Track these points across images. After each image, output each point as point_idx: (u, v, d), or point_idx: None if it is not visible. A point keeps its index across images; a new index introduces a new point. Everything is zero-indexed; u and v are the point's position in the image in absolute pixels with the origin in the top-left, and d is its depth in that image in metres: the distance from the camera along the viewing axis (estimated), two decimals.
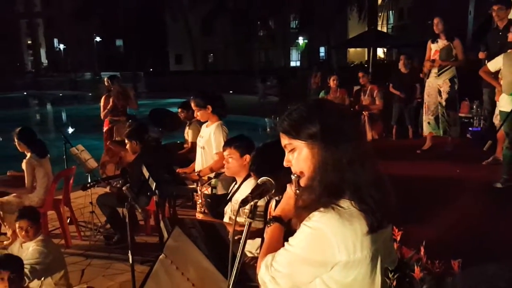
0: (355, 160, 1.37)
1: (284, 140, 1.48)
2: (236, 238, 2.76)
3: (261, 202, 2.99)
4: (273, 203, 2.57)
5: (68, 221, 5.24)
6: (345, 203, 1.36)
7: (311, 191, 1.40)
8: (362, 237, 1.34)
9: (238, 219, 3.21)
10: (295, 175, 1.46)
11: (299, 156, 1.44)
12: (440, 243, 3.24)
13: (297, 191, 1.50)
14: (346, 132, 1.41)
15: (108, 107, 7.27)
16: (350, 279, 1.38)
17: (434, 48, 6.10)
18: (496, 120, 5.23)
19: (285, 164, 1.50)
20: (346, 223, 1.32)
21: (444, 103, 6.12)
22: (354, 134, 1.42)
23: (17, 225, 3.49)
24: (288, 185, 1.57)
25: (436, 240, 3.22)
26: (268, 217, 2.60)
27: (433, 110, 6.27)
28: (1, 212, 4.64)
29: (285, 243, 1.42)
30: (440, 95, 6.13)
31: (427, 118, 6.39)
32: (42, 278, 3.32)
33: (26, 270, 3.17)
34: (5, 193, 4.80)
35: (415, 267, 2.57)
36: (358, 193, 1.37)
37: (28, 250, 3.42)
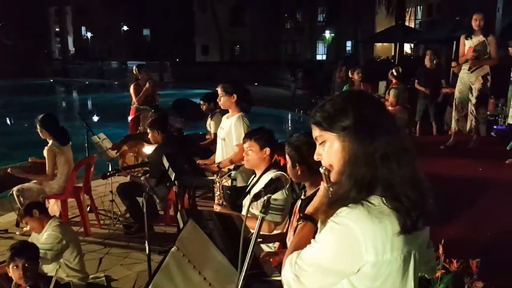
0: (390, 156, 1.29)
1: (315, 132, 1.42)
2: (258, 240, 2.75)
3: (279, 196, 2.99)
4: (298, 202, 2.53)
5: (88, 209, 5.30)
6: (376, 200, 1.28)
7: (340, 186, 1.33)
8: (393, 237, 1.25)
9: (256, 212, 3.20)
10: (324, 168, 1.41)
11: (330, 149, 1.38)
12: (459, 242, 3.15)
13: (328, 187, 1.44)
14: (382, 125, 1.33)
15: (142, 94, 7.32)
16: (378, 283, 1.29)
17: (468, 45, 5.90)
18: None
19: (315, 157, 1.44)
20: (375, 220, 1.24)
21: (474, 101, 5.94)
22: (390, 127, 1.34)
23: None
24: (322, 183, 1.51)
25: (456, 239, 3.13)
26: (293, 216, 2.55)
27: (463, 107, 6.10)
28: (22, 199, 4.71)
29: (312, 240, 1.35)
30: (471, 92, 5.95)
31: (456, 115, 6.22)
32: (58, 266, 3.35)
33: (42, 253, 3.21)
34: (26, 179, 4.87)
35: None
36: (391, 191, 1.28)
37: (44, 234, 3.46)
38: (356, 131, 1.31)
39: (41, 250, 3.19)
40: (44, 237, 3.42)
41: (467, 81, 5.97)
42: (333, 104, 1.38)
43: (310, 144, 2.24)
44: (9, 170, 4.75)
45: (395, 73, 7.38)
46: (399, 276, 1.30)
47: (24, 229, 4.94)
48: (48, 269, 3.35)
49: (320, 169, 1.41)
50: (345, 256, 1.27)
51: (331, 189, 1.43)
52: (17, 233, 4.96)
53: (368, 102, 1.39)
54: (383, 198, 1.28)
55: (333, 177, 1.39)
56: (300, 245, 1.42)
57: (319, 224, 1.47)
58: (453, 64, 6.35)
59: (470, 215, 3.82)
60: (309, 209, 1.51)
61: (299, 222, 1.50)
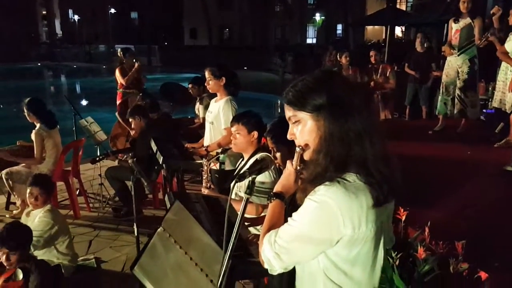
0: (363, 134, 1.34)
1: (289, 112, 1.44)
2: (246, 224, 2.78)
3: (267, 179, 3.02)
4: None
5: (77, 192, 5.30)
6: (351, 177, 1.33)
7: (316, 164, 1.37)
8: (368, 211, 1.32)
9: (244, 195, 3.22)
10: (300, 147, 1.43)
11: (303, 128, 1.41)
12: (445, 224, 3.21)
13: (299, 165, 1.48)
14: (355, 104, 1.37)
15: (131, 73, 7.19)
16: (353, 254, 1.37)
17: (455, 28, 5.91)
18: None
19: (288, 137, 1.47)
20: (352, 196, 1.29)
21: (461, 84, 5.97)
22: (363, 107, 1.38)
23: (28, 191, 3.52)
24: (288, 162, 1.54)
25: (442, 222, 3.19)
26: None
27: (450, 91, 6.14)
28: (11, 182, 4.71)
29: (289, 218, 1.40)
30: (458, 76, 5.98)
31: (443, 99, 6.25)
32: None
33: (33, 240, 3.22)
34: (14, 163, 4.85)
35: (419, 247, 2.54)
36: (365, 167, 1.34)
37: (34, 220, 3.46)
38: (330, 110, 1.34)
39: (34, 237, 3.21)
40: (36, 222, 3.42)
41: (454, 64, 6.00)
42: (306, 84, 1.41)
43: (283, 127, 2.29)
44: None
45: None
46: (372, 246, 1.39)
47: (14, 211, 4.96)
48: (38, 252, 3.36)
49: (297, 148, 1.44)
50: (323, 232, 1.33)
51: (299, 168, 1.47)
52: (6, 216, 4.97)
53: (340, 82, 1.43)
54: (357, 175, 1.34)
55: (308, 155, 1.43)
56: (273, 223, 1.48)
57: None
58: (443, 48, 6.36)
59: (457, 198, 3.88)
60: (278, 187, 1.54)
61: (269, 201, 1.54)
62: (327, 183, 1.32)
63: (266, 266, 1.43)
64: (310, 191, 1.36)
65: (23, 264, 2.91)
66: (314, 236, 1.34)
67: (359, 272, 1.41)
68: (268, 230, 1.46)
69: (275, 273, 1.44)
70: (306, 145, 1.42)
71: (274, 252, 1.38)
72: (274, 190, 1.55)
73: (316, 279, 1.45)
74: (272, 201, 1.53)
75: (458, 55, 5.92)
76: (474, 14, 5.78)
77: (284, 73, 19.69)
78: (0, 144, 5.38)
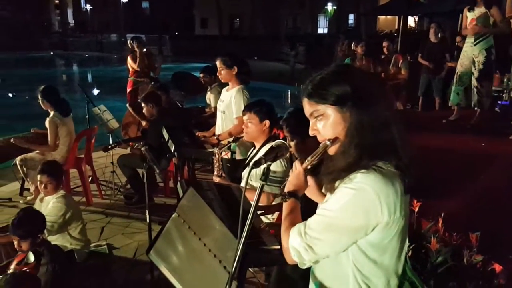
0: (389, 121, 1.35)
1: (310, 107, 1.41)
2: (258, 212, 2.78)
3: (279, 168, 3.01)
4: None
5: (89, 179, 5.35)
6: (384, 164, 1.33)
7: (347, 155, 1.35)
8: (401, 197, 1.32)
9: (255, 184, 3.22)
10: (329, 141, 1.39)
11: (327, 122, 1.38)
12: (459, 216, 3.17)
13: (311, 164, 1.46)
14: (376, 94, 1.37)
15: (138, 60, 7.25)
16: (386, 241, 1.36)
17: (470, 17, 5.81)
18: None
19: (311, 133, 1.45)
20: (389, 183, 1.29)
21: (477, 74, 5.88)
22: (383, 96, 1.39)
23: (38, 179, 3.56)
24: (296, 162, 1.54)
25: (456, 213, 3.15)
26: None
27: (464, 81, 6.05)
28: (25, 168, 4.77)
29: (319, 209, 1.37)
30: (474, 66, 5.89)
31: (456, 89, 6.18)
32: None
33: (47, 225, 3.26)
34: (29, 149, 4.90)
35: (432, 238, 2.53)
36: (395, 154, 1.34)
37: (48, 205, 3.50)
38: (356, 100, 1.33)
39: (47, 222, 3.25)
40: (49, 208, 3.46)
41: (470, 54, 5.91)
42: (325, 77, 1.40)
43: (299, 116, 2.27)
44: (12, 140, 4.79)
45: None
46: (402, 234, 1.38)
47: (28, 198, 5.03)
48: (52, 237, 3.40)
49: (327, 142, 1.40)
50: (361, 219, 1.30)
51: (309, 168, 1.46)
52: (20, 202, 5.04)
53: (357, 73, 1.43)
54: (388, 161, 1.33)
55: (334, 150, 1.40)
56: (292, 221, 1.46)
57: (327, 195, 1.49)
58: (458, 38, 6.28)
59: (471, 189, 3.83)
60: (289, 187, 1.53)
61: (284, 200, 1.53)
62: (363, 170, 1.31)
63: (295, 259, 1.39)
64: (342, 180, 1.34)
65: (35, 248, 2.95)
66: (351, 224, 1.31)
67: (387, 259, 1.40)
68: (289, 226, 1.43)
69: (304, 267, 1.40)
70: (336, 138, 1.38)
71: (306, 243, 1.35)
72: (286, 190, 1.54)
73: (344, 272, 1.42)
74: (286, 200, 1.52)
75: (475, 45, 5.83)
76: (489, 3, 5.68)
77: (294, 63, 19.58)
78: (14, 131, 5.44)
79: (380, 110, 1.34)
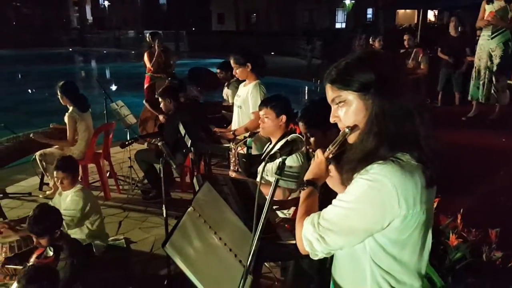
0: (414, 110, 1.29)
1: (332, 93, 1.38)
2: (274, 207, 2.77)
3: (295, 163, 3.00)
4: None
5: (107, 174, 5.41)
6: (404, 156, 1.27)
7: (366, 144, 1.30)
8: (422, 191, 1.26)
9: (271, 178, 3.22)
10: (348, 129, 1.36)
11: (349, 109, 1.34)
12: (478, 212, 3.13)
13: (333, 152, 1.43)
14: (402, 82, 1.33)
15: (154, 60, 7.32)
16: (404, 237, 1.31)
17: (488, 9, 5.71)
18: None
19: (331, 119, 1.41)
20: (408, 175, 1.23)
21: (494, 68, 5.77)
22: (409, 84, 1.34)
23: (54, 175, 3.62)
24: (318, 150, 1.51)
25: (475, 209, 3.11)
26: None
27: (482, 75, 5.95)
28: (44, 163, 4.84)
29: (335, 200, 1.34)
30: (491, 60, 5.78)
31: (476, 83, 6.08)
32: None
33: (66, 219, 3.31)
34: (48, 145, 4.97)
35: (451, 234, 2.49)
36: (417, 145, 1.29)
37: (66, 199, 3.55)
38: (380, 88, 1.29)
39: (66, 216, 3.30)
40: (68, 202, 3.51)
41: (487, 47, 5.81)
42: (351, 62, 1.35)
43: (315, 110, 2.24)
44: (31, 135, 4.86)
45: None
46: (422, 229, 1.33)
47: (47, 192, 5.11)
48: (71, 231, 3.46)
49: (346, 129, 1.37)
50: (376, 212, 1.26)
51: (331, 156, 1.43)
52: (40, 196, 5.12)
53: (385, 60, 1.37)
54: (410, 153, 1.28)
55: (353, 138, 1.37)
56: (308, 210, 1.43)
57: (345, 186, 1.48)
58: (478, 32, 6.17)
59: (491, 185, 3.78)
60: (309, 175, 1.50)
61: (303, 188, 1.50)
62: (380, 161, 1.26)
63: (307, 249, 1.37)
64: (359, 171, 1.30)
65: (54, 243, 2.99)
66: (365, 216, 1.27)
67: (407, 256, 1.35)
68: (304, 216, 1.41)
69: (316, 258, 1.38)
70: (355, 125, 1.35)
71: (318, 234, 1.33)
72: (306, 178, 1.51)
73: (362, 266, 1.39)
74: (305, 188, 1.49)
75: (492, 38, 5.72)
76: None
77: (311, 58, 19.44)
78: (34, 126, 5.51)
79: (403, 99, 1.29)
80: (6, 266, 3.15)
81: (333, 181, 1.56)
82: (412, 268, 1.37)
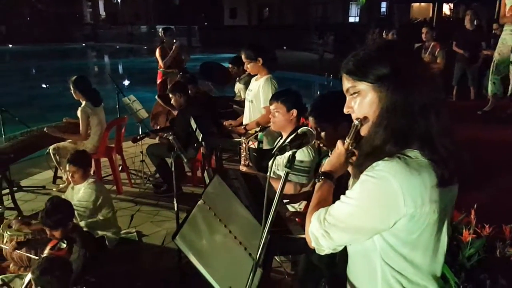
0: (429, 106, 1.24)
1: (348, 83, 1.35)
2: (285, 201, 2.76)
3: (305, 158, 2.98)
4: (324, 161, 2.50)
5: (120, 168, 5.45)
6: (412, 153, 1.23)
7: (375, 137, 1.27)
8: (431, 190, 1.20)
9: (282, 173, 3.20)
10: (358, 120, 1.34)
11: (363, 100, 1.31)
12: (492, 207, 3.08)
13: (351, 144, 1.41)
14: (419, 75, 1.27)
15: (169, 56, 7.33)
16: (414, 237, 1.26)
17: (509, 4, 5.60)
18: None
19: (345, 110, 1.38)
20: (414, 172, 1.19)
21: None
22: (427, 78, 1.29)
23: (67, 169, 3.66)
24: (339, 141, 1.48)
25: (489, 204, 3.06)
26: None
27: (501, 70, 5.85)
28: (58, 157, 4.89)
29: (342, 196, 1.32)
30: None
31: (493, 78, 5.98)
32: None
33: (79, 210, 3.35)
34: (61, 139, 5.02)
35: (464, 230, 2.46)
36: (429, 142, 1.24)
37: (79, 192, 3.59)
38: (394, 81, 1.25)
39: (79, 208, 3.34)
40: (80, 194, 3.55)
41: (510, 42, 5.70)
42: (368, 53, 1.32)
43: (325, 104, 2.22)
44: (45, 129, 4.91)
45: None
46: (434, 230, 1.28)
47: (61, 185, 5.17)
48: (83, 224, 3.49)
49: (355, 121, 1.35)
50: (381, 210, 1.23)
51: (351, 147, 1.41)
52: (53, 189, 5.19)
53: (403, 52, 1.32)
54: (421, 151, 1.24)
55: (366, 129, 1.34)
56: (321, 203, 1.41)
57: (351, 181, 1.46)
58: (495, 26, 6.07)
59: (506, 181, 3.72)
60: (326, 166, 1.48)
61: (317, 180, 1.48)
62: (386, 158, 1.23)
63: (313, 244, 1.36)
64: (366, 166, 1.27)
65: (67, 235, 3.03)
66: (370, 214, 1.25)
67: (419, 256, 1.31)
68: (316, 209, 1.39)
69: (322, 253, 1.37)
70: (365, 117, 1.32)
71: (324, 230, 1.31)
72: (323, 170, 1.49)
73: (372, 264, 1.36)
74: (320, 180, 1.47)
75: None
76: None
77: (324, 53, 19.32)
78: (48, 121, 5.57)
79: (419, 94, 1.24)
80: (18, 252, 3.20)
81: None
82: (425, 270, 1.33)
